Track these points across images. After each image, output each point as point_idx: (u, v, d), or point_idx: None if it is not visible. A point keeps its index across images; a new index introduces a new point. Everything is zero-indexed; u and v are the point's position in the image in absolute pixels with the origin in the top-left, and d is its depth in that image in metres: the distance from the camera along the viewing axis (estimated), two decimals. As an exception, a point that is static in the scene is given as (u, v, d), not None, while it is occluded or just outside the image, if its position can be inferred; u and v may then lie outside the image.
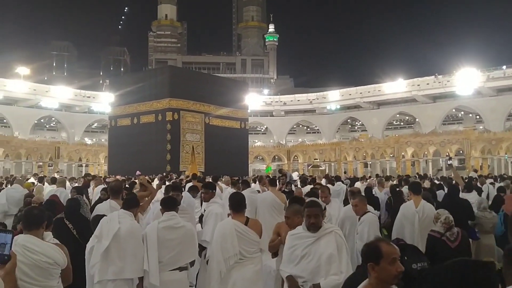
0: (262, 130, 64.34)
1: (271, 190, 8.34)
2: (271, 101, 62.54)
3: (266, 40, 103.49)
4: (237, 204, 4.83)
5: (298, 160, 52.68)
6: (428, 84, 49.31)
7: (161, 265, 4.63)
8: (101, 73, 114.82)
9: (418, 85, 49.97)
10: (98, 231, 4.69)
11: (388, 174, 30.41)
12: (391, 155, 46.26)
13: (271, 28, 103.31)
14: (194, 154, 30.60)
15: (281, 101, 61.62)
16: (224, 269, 4.51)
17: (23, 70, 55.51)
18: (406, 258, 3.34)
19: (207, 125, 31.81)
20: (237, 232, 4.59)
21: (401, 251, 2.78)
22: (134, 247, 4.61)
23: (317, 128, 61.19)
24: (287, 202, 6.58)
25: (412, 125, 55.70)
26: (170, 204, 4.99)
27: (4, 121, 51.28)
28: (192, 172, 22.55)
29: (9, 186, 11.78)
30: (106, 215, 5.11)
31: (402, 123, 58.41)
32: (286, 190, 10.20)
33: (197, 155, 30.76)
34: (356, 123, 60.84)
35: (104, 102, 49.69)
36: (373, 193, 9.57)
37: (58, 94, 53.36)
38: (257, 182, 11.28)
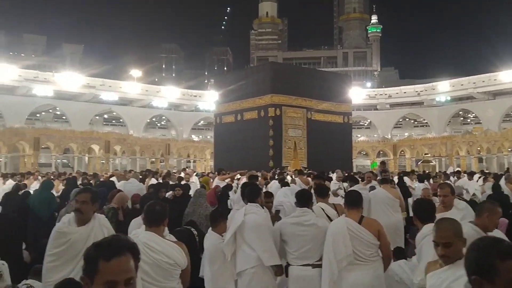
0: (366, 124, 62.44)
1: (383, 186, 7.83)
2: (375, 94, 60.43)
3: (369, 31, 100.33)
4: (351, 201, 4.49)
5: (405, 155, 50.29)
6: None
7: (292, 258, 4.59)
8: (206, 73, 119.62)
9: (543, 71, 44.99)
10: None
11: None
12: (509, 149, 42.28)
13: (374, 19, 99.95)
14: (297, 150, 30.41)
15: (385, 94, 59.29)
16: (336, 272, 4.21)
17: (136, 72, 59.54)
18: None
19: (309, 120, 31.41)
20: (349, 231, 4.24)
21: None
22: (261, 236, 4.60)
23: (426, 121, 57.91)
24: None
25: (535, 116, 50.43)
26: (303, 199, 4.85)
27: (121, 120, 55.50)
28: (294, 168, 22.44)
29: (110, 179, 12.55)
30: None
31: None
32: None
33: (299, 150, 30.53)
34: (469, 115, 56.54)
35: (209, 100, 51.59)
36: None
37: (168, 94, 56.59)
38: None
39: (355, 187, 8.01)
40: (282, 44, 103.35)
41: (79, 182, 12.43)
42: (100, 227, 3.79)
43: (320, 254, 4.51)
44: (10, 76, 46.30)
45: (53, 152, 43.17)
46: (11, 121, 44.29)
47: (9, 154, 42.08)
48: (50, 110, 52.00)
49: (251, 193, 5.04)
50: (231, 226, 4.71)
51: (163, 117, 59.07)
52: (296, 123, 30.72)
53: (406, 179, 11.83)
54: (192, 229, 5.68)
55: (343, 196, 9.30)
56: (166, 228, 3.76)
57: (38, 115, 51.51)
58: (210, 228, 4.86)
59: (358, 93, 53.74)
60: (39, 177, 15.16)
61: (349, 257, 4.19)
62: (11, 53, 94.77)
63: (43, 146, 42.62)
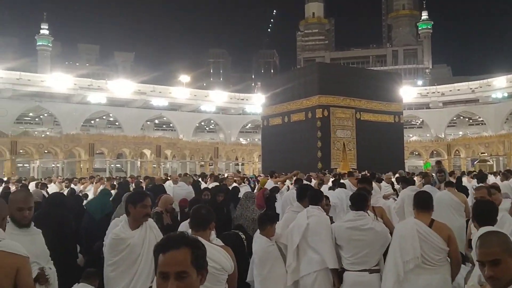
0: (418, 123, 60.58)
1: (448, 189, 7.46)
2: (427, 92, 58.55)
3: (419, 28, 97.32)
4: (421, 203, 4.28)
5: (460, 155, 48.36)
6: None
7: (348, 264, 4.47)
8: (253, 76, 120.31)
9: None
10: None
11: None
12: None
13: (424, 15, 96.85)
14: (346, 151, 29.88)
15: (438, 92, 57.32)
16: (402, 273, 4.06)
17: (184, 78, 60.73)
18: None
19: (358, 120, 30.80)
20: (418, 234, 4.07)
21: None
22: (325, 239, 4.56)
23: (481, 119, 55.39)
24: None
25: None
26: (359, 202, 4.68)
27: (171, 125, 56.71)
28: (343, 170, 22.04)
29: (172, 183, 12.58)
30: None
31: None
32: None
33: (348, 151, 29.98)
34: (529, 112, 53.65)
35: (256, 103, 51.79)
36: None
37: (215, 98, 57.34)
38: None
39: (408, 189, 7.71)
40: (329, 44, 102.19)
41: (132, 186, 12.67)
42: (151, 229, 3.82)
43: (378, 259, 4.41)
44: (66, 85, 48.40)
45: (107, 157, 44.71)
46: (67, 128, 46.23)
47: (66, 159, 43.96)
48: (104, 117, 53.90)
49: (314, 196, 5.02)
50: (295, 231, 4.67)
51: (212, 121, 59.83)
52: (345, 123, 30.21)
53: (464, 179, 11.26)
54: (240, 233, 5.60)
55: (395, 199, 8.99)
56: (213, 232, 3.68)
57: (92, 121, 53.51)
58: (258, 232, 4.76)
59: (409, 92, 52.31)
60: (93, 183, 15.57)
61: (416, 260, 4.03)
62: (66, 62, 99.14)
63: (97, 152, 44.22)
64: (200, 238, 3.39)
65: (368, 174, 11.37)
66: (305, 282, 4.57)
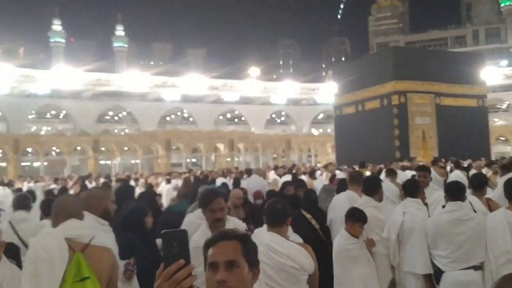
0: (504, 107, 56.54)
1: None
2: (513, 73, 54.47)
3: (502, 5, 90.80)
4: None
5: (554, 140, 44.57)
6: None
7: (447, 262, 4.01)
8: (323, 65, 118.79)
9: None
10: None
11: None
12: None
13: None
14: (426, 139, 28.46)
15: (525, 72, 53.13)
16: (495, 269, 3.67)
17: (254, 71, 60.98)
18: None
19: (438, 106, 29.21)
20: (509, 225, 3.66)
21: None
22: (415, 242, 4.27)
23: None
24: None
25: None
26: (456, 191, 4.21)
27: (242, 118, 57.29)
28: (424, 158, 21.04)
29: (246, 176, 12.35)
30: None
31: None
32: None
33: (428, 139, 28.52)
34: None
35: (327, 93, 50.83)
36: None
37: (286, 90, 57.03)
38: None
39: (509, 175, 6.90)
40: (403, 27, 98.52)
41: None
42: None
43: (482, 255, 3.93)
44: (142, 84, 50.33)
45: (183, 152, 45.99)
46: (144, 125, 48.13)
47: (145, 156, 45.77)
48: (178, 113, 55.52)
49: (410, 187, 4.69)
50: (392, 227, 4.43)
51: (282, 113, 59.68)
52: (424, 109, 28.78)
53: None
54: (316, 225, 5.24)
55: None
56: (290, 228, 3.40)
57: (167, 118, 55.31)
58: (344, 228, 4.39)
59: (492, 73, 48.81)
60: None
61: (508, 254, 3.63)
62: (141, 62, 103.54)
63: (174, 147, 45.61)
64: (277, 235, 3.14)
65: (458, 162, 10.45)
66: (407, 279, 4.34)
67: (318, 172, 14.36)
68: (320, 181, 11.05)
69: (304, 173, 13.66)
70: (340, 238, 4.29)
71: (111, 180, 14.75)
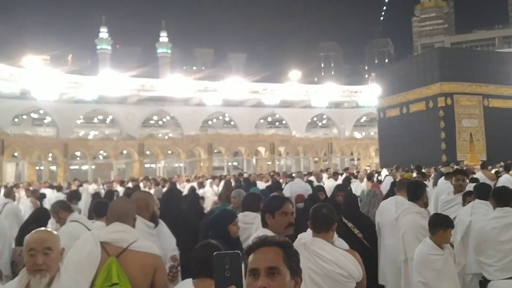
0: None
1: None
2: None
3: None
4: None
5: None
6: None
7: (494, 271, 3.83)
8: (366, 67, 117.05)
9: None
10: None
11: None
12: None
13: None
14: (473, 141, 27.52)
15: None
16: None
17: (295, 74, 60.77)
18: None
19: (486, 107, 28.23)
20: None
21: None
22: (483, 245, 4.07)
23: None
24: None
25: None
26: (504, 197, 4.03)
27: (283, 122, 57.16)
28: (471, 162, 20.39)
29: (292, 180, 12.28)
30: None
31: None
32: None
33: (476, 142, 27.58)
34: None
35: (370, 95, 49.98)
36: None
37: (327, 93, 56.49)
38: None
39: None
40: (448, 28, 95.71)
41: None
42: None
43: None
44: (185, 89, 51.17)
45: (224, 155, 46.41)
46: (187, 129, 48.90)
47: (188, 159, 46.49)
48: (220, 117, 56.07)
49: (481, 190, 4.65)
50: (458, 227, 4.35)
51: (324, 116, 59.14)
52: (471, 112, 27.87)
53: None
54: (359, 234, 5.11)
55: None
56: (335, 233, 3.31)
57: (209, 122, 55.95)
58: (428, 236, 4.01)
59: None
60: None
61: None
62: (184, 67, 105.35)
63: (215, 151, 46.09)
64: (323, 241, 3.08)
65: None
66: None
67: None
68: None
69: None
70: (423, 247, 3.91)
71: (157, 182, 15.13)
